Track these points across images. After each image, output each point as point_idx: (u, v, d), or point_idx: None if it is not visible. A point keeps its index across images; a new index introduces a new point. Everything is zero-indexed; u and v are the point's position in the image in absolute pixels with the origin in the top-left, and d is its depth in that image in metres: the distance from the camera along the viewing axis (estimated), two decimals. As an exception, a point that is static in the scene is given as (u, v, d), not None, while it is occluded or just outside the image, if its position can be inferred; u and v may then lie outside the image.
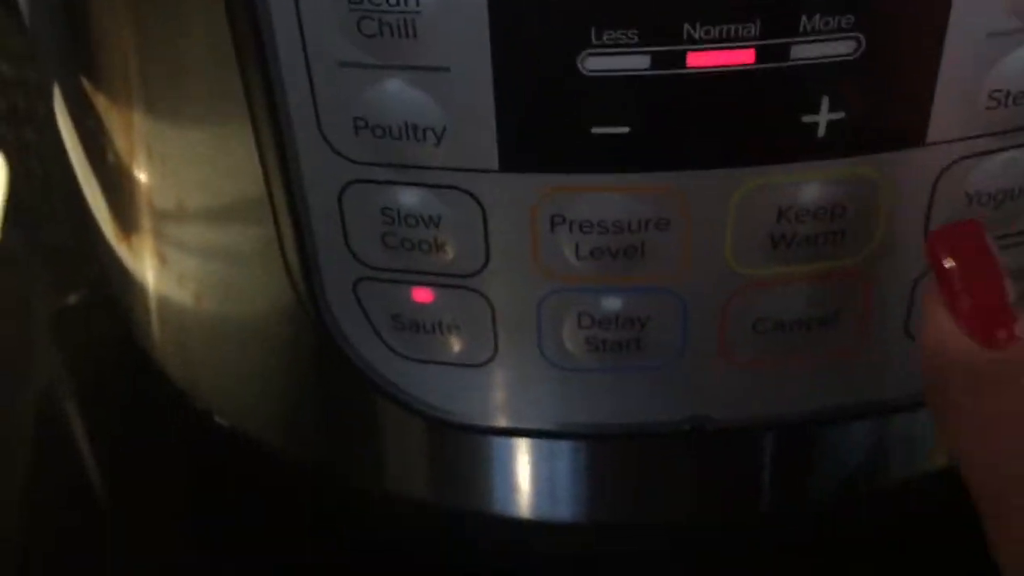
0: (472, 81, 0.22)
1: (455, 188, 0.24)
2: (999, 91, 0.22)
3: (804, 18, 0.21)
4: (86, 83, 0.29)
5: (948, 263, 0.22)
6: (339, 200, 0.25)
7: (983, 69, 0.22)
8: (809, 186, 0.23)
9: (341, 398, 0.30)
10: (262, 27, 0.22)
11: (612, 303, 0.25)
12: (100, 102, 0.29)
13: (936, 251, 0.22)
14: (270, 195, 0.26)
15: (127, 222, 0.32)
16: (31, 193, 0.50)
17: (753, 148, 0.23)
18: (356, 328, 0.27)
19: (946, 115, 0.23)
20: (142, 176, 0.30)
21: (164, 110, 0.27)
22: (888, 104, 0.23)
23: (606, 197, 0.23)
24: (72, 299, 0.47)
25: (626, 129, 0.22)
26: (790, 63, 0.21)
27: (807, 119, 0.22)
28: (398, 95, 0.23)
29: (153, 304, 0.34)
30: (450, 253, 0.25)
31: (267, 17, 0.22)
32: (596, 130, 0.22)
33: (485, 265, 0.25)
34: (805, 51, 0.21)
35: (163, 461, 0.40)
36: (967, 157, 0.24)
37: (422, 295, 0.26)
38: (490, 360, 0.27)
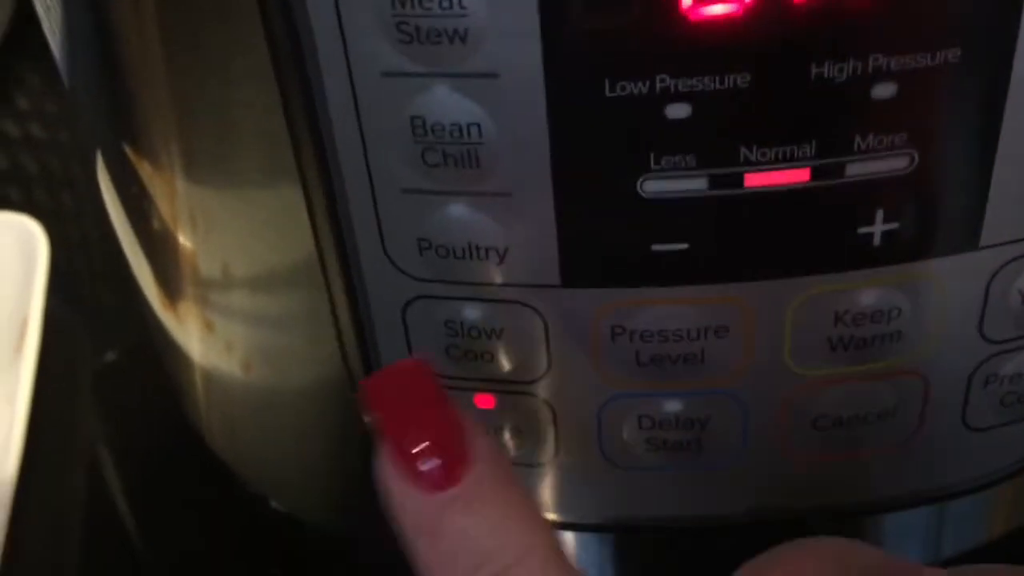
0: (534, 204, 0.23)
1: (517, 303, 0.25)
2: (1049, 196, 0.23)
3: (858, 138, 0.22)
4: (129, 150, 0.29)
5: (375, 414, 0.22)
6: (403, 314, 0.25)
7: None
8: (865, 292, 0.24)
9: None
10: (328, 158, 0.23)
11: (672, 406, 0.26)
12: (144, 169, 0.29)
13: (366, 401, 0.22)
14: (332, 303, 0.27)
15: (173, 288, 0.32)
16: (68, 256, 0.51)
17: (810, 259, 0.23)
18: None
19: (998, 220, 0.23)
20: (188, 243, 0.30)
21: (213, 183, 0.27)
22: (941, 213, 0.23)
23: (666, 309, 0.24)
24: (111, 357, 0.48)
25: (685, 246, 0.23)
26: (845, 179, 0.22)
27: (863, 230, 0.23)
28: (461, 219, 0.23)
29: (199, 373, 0.34)
30: (512, 362, 0.26)
31: (333, 149, 0.23)
32: (656, 247, 0.23)
33: (546, 373, 0.26)
34: (860, 168, 0.22)
35: (211, 535, 0.40)
36: (1019, 258, 0.24)
37: (484, 401, 0.27)
38: (551, 460, 0.27)
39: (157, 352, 0.37)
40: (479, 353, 0.26)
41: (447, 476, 0.21)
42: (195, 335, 0.32)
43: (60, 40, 0.28)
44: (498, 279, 0.24)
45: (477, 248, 0.24)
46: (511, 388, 0.26)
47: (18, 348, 0.43)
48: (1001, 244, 0.24)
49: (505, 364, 0.26)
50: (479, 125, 0.22)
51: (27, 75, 0.62)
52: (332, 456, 0.33)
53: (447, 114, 0.22)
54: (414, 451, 0.21)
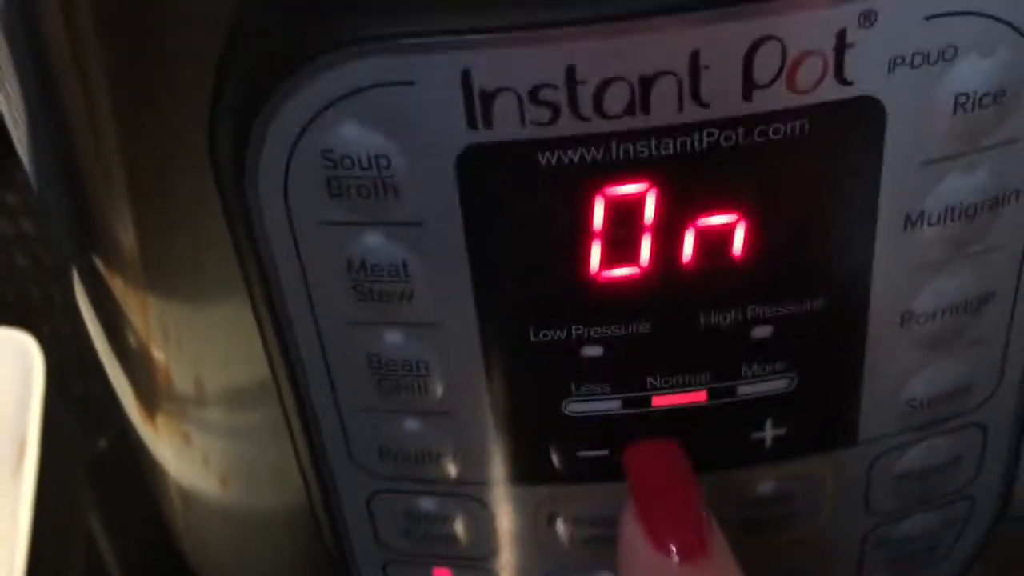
0: (476, 420, 0.27)
1: (467, 496, 0.28)
2: (914, 399, 0.27)
3: (744, 367, 0.26)
4: (99, 263, 0.30)
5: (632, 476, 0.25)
6: (367, 504, 0.29)
7: (901, 382, 0.27)
8: (762, 484, 0.28)
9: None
10: (299, 382, 0.27)
11: (603, 577, 0.30)
12: (115, 283, 0.30)
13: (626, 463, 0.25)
14: (306, 485, 0.30)
15: (149, 401, 0.33)
16: (58, 348, 0.52)
17: (712, 459, 0.27)
18: (386, 594, 0.32)
19: (872, 419, 0.27)
20: (162, 356, 0.31)
21: (183, 297, 0.28)
22: (822, 418, 0.27)
23: (592, 501, 0.28)
24: (102, 444, 0.49)
25: (605, 452, 0.27)
26: (736, 398, 0.26)
27: (755, 436, 0.27)
28: (415, 431, 0.27)
29: (175, 486, 0.35)
30: (464, 543, 0.29)
31: (303, 373, 0.27)
32: (580, 454, 0.27)
33: (495, 552, 0.29)
34: (749, 389, 0.26)
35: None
36: (893, 448, 0.28)
37: (442, 574, 0.30)
38: (503, 622, 0.31)
39: (138, 462, 0.37)
40: (435, 535, 0.29)
41: (692, 549, 0.24)
42: (172, 448, 0.33)
43: (27, 154, 0.30)
44: (449, 477, 0.28)
45: (429, 454, 0.28)
46: (465, 563, 0.30)
47: (17, 467, 0.44)
48: (877, 438, 0.28)
49: (458, 544, 0.29)
50: (426, 363, 0.26)
51: (14, 171, 0.64)
52: None
53: (398, 352, 0.26)
54: (666, 520, 0.24)
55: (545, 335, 0.25)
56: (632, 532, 0.25)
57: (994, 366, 0.27)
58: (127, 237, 0.28)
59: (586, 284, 0.24)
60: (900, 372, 0.27)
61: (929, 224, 0.24)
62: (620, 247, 0.24)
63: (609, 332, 0.25)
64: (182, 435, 0.33)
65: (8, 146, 0.31)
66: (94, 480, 0.48)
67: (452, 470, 0.28)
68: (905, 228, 0.24)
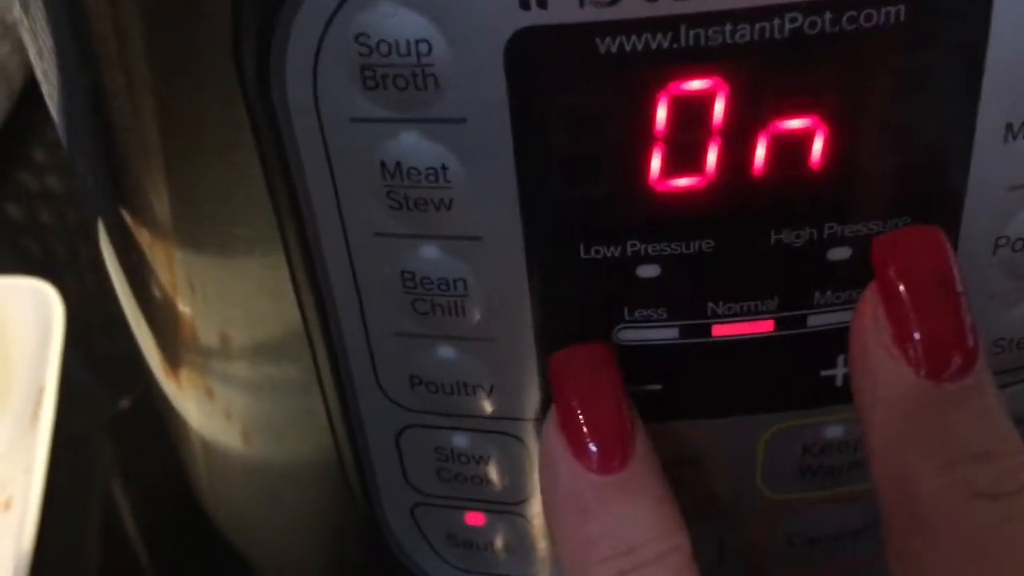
0: (517, 349, 0.24)
1: (502, 433, 0.26)
2: (1003, 339, 0.24)
3: (817, 294, 0.23)
4: (127, 216, 0.29)
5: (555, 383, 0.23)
6: (396, 441, 0.27)
7: (990, 319, 0.24)
8: (831, 427, 0.25)
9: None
10: (328, 309, 0.25)
11: (651, 528, 0.27)
12: (143, 236, 0.29)
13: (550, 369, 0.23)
14: (330, 422, 0.28)
15: (173, 355, 0.32)
16: (83, 305, 0.52)
17: (776, 400, 0.25)
18: (412, 541, 0.29)
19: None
20: (187, 310, 0.30)
21: (210, 251, 0.27)
22: (900, 356, 0.25)
23: (643, 442, 0.26)
24: (125, 404, 0.49)
25: (658, 387, 0.24)
26: (806, 330, 0.24)
27: (825, 373, 0.24)
28: (449, 360, 0.25)
29: (199, 441, 0.34)
30: (498, 485, 0.27)
31: (332, 300, 0.25)
32: (631, 388, 0.24)
33: (531, 496, 0.27)
34: (820, 320, 0.23)
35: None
36: (977, 393, 0.25)
37: (474, 519, 0.28)
38: (536, 573, 0.29)
39: (160, 416, 0.37)
40: (468, 476, 0.27)
41: (612, 460, 0.22)
42: (195, 402, 0.33)
43: (58, 106, 0.29)
44: (484, 412, 0.26)
45: (464, 386, 0.25)
46: (499, 508, 0.28)
47: (35, 415, 0.44)
48: (958, 381, 0.25)
49: (492, 486, 0.27)
50: (464, 281, 0.23)
51: (44, 128, 0.63)
52: (326, 535, 0.34)
53: (434, 269, 0.24)
54: (587, 428, 0.22)
55: (597, 251, 0.23)
56: (550, 440, 0.23)
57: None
58: (155, 187, 0.27)
59: (644, 194, 0.22)
60: (989, 307, 0.24)
61: (1034, 136, 0.22)
62: (684, 152, 0.21)
63: (668, 250, 0.22)
64: (205, 389, 0.32)
65: (37, 103, 0.30)
66: (117, 439, 0.47)
67: (488, 404, 0.25)
68: (1006, 140, 0.22)
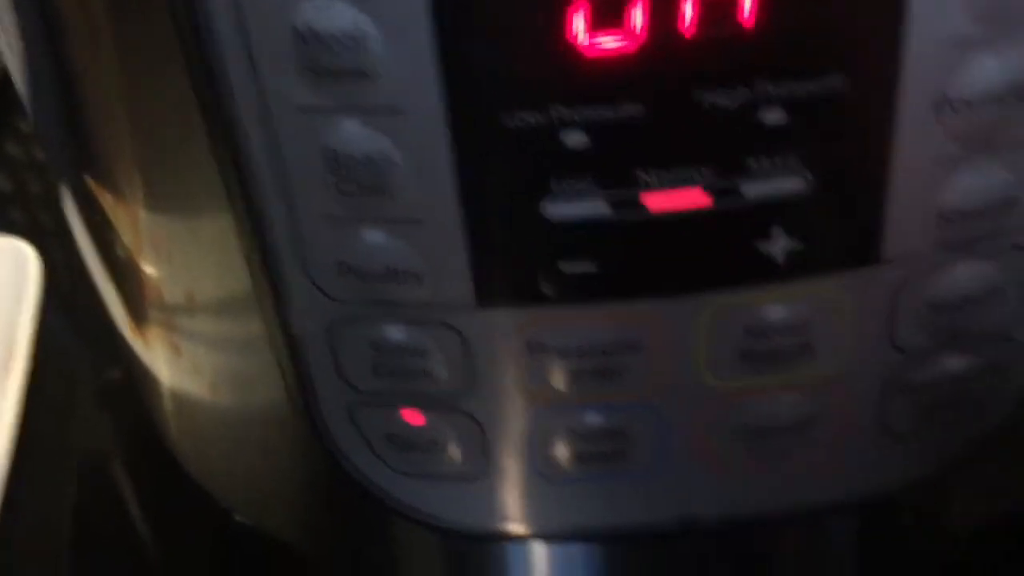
0: (445, 229, 0.23)
1: (437, 323, 0.25)
2: (948, 211, 0.24)
3: (752, 161, 0.22)
4: (90, 180, 0.29)
5: None
6: (328, 334, 0.26)
7: (933, 188, 0.24)
8: (773, 307, 0.25)
9: (344, 506, 0.32)
10: (251, 191, 0.24)
11: (594, 420, 0.26)
12: (106, 199, 0.29)
13: None
14: (265, 322, 0.27)
15: (140, 314, 0.33)
16: (70, 277, 0.51)
17: (714, 277, 0.24)
18: (353, 446, 0.29)
19: (899, 233, 0.24)
20: (152, 270, 0.30)
21: (170, 211, 0.28)
22: (841, 229, 0.24)
23: (579, 326, 0.25)
24: (114, 374, 0.48)
25: (592, 266, 0.24)
26: (743, 201, 0.23)
27: (764, 249, 0.24)
28: (377, 244, 0.24)
29: (169, 397, 0.35)
30: (438, 380, 0.26)
31: (254, 181, 0.24)
32: (564, 268, 0.24)
33: (470, 390, 0.26)
34: (756, 189, 0.23)
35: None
36: (924, 270, 0.25)
37: (414, 417, 0.27)
38: (483, 474, 0.28)
39: (131, 377, 0.37)
40: (405, 371, 0.26)
41: None
42: (163, 359, 0.33)
43: (21, 72, 0.29)
44: (417, 301, 0.25)
45: (395, 272, 0.24)
46: (439, 405, 0.27)
47: (5, 369, 0.44)
48: (905, 256, 0.24)
49: (430, 381, 0.26)
50: (388, 157, 0.23)
51: None
52: (293, 475, 0.34)
53: (356, 145, 0.23)
54: None
55: (521, 119, 0.22)
56: None
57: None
58: (117, 151, 0.26)
59: (568, 56, 0.21)
60: (933, 174, 0.23)
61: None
62: (609, 10, 0.21)
63: (594, 115, 0.21)
64: (172, 346, 0.32)
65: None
66: (105, 409, 0.46)
67: (419, 291, 0.25)
68: (943, -10, 0.21)
